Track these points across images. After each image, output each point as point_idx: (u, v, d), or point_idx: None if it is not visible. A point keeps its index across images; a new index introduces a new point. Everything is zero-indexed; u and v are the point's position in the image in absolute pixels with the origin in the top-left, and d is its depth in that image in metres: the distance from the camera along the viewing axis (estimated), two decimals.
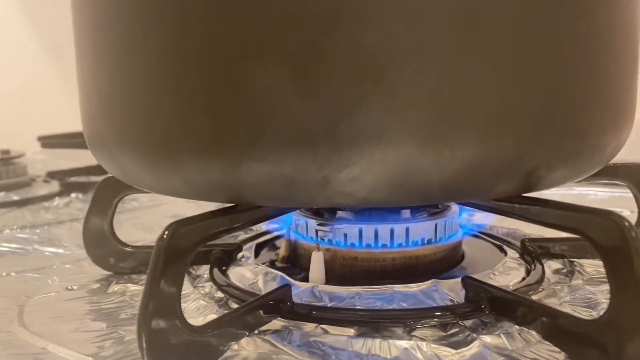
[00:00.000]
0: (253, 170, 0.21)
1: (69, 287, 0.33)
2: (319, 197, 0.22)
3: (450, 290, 0.28)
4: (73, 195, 0.59)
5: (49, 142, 0.68)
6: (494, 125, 0.21)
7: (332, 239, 0.31)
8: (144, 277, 0.35)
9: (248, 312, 0.25)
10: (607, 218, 0.21)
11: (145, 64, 0.22)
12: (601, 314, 0.27)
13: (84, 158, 0.60)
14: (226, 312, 0.27)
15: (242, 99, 0.20)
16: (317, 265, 0.30)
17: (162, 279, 0.21)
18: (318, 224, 0.31)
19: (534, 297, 0.30)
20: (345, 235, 0.31)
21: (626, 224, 0.21)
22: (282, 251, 0.34)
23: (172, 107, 0.22)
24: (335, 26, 0.19)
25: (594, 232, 0.21)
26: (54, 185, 0.62)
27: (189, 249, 0.22)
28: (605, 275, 0.32)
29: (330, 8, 0.19)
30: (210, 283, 0.32)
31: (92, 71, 0.25)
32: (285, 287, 0.27)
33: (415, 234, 0.30)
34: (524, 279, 0.31)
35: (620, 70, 0.23)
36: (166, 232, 0.21)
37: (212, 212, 0.23)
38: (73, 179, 0.66)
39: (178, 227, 0.21)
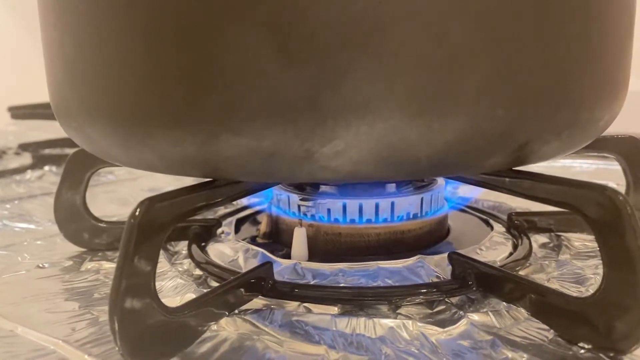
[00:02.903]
0: (230, 143, 0.20)
1: (40, 265, 0.32)
2: (302, 172, 0.20)
3: (436, 266, 0.28)
4: (46, 168, 0.57)
5: (20, 112, 0.66)
6: (485, 95, 0.19)
7: (315, 214, 0.30)
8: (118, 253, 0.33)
9: (228, 291, 0.24)
10: (601, 192, 0.20)
11: (113, 27, 0.20)
12: (590, 289, 0.27)
13: (58, 129, 0.58)
14: (205, 291, 0.26)
15: (217, 65, 0.19)
16: (299, 242, 0.29)
17: (135, 257, 0.20)
18: (300, 199, 0.30)
19: (522, 273, 0.29)
20: (329, 210, 0.30)
21: (621, 198, 0.20)
22: (263, 227, 0.33)
23: (142, 73, 0.20)
24: None
25: (588, 206, 0.21)
26: (26, 158, 0.60)
27: (163, 227, 0.21)
28: (592, 250, 0.32)
29: None
30: (189, 260, 0.31)
31: (57, 34, 0.23)
32: (267, 265, 0.26)
33: (400, 208, 0.30)
34: (511, 254, 0.30)
35: (614, 41, 0.22)
36: (138, 210, 0.20)
37: (187, 187, 0.22)
38: (46, 151, 0.64)
39: (151, 204, 0.20)
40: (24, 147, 0.63)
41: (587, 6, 0.20)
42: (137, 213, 0.20)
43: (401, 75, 0.19)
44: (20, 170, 0.55)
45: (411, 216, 0.30)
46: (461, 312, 0.24)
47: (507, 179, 0.24)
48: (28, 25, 0.86)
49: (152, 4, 0.19)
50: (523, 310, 0.24)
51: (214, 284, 0.28)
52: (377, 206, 0.29)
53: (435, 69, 0.19)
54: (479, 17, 0.19)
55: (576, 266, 0.29)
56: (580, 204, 0.21)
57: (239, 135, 0.20)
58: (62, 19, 0.22)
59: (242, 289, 0.25)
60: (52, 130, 0.67)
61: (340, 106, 0.19)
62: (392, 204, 0.29)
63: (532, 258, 0.30)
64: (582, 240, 0.33)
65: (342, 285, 0.26)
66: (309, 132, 0.19)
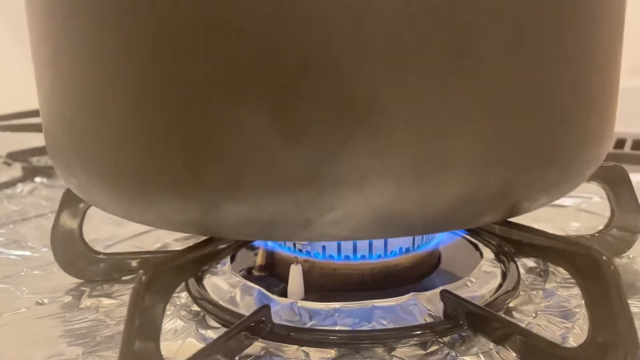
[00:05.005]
0: (231, 212, 0.20)
1: (40, 301, 0.32)
2: (300, 237, 0.21)
3: (428, 303, 0.29)
4: (37, 180, 0.57)
5: (7, 124, 0.65)
6: (478, 165, 0.20)
7: (310, 251, 0.31)
8: (117, 287, 0.34)
9: (230, 338, 0.25)
10: (586, 252, 0.21)
11: (116, 94, 0.21)
12: (575, 326, 0.28)
13: None
14: (204, 332, 0.27)
15: (219, 140, 0.19)
16: (295, 279, 0.30)
17: (141, 320, 0.21)
18: None
19: (511, 304, 0.30)
20: (324, 247, 0.30)
21: (604, 258, 0.21)
22: (259, 259, 0.33)
23: (144, 142, 0.21)
24: (315, 68, 0.18)
25: (573, 264, 0.22)
26: (16, 169, 0.59)
27: (166, 289, 0.21)
28: None
29: (310, 49, 0.18)
30: (186, 293, 0.32)
31: (55, 93, 0.23)
32: (266, 308, 0.27)
33: (394, 244, 0.30)
34: (500, 285, 0.31)
35: (602, 99, 0.23)
36: (143, 277, 0.20)
37: (190, 248, 0.22)
38: (35, 159, 0.64)
39: (156, 271, 0.21)
40: (13, 157, 0.62)
41: (576, 74, 0.21)
42: (142, 279, 0.20)
43: (396, 151, 0.19)
44: (11, 184, 0.55)
45: (404, 250, 0.31)
46: (453, 353, 0.26)
47: (497, 227, 0.25)
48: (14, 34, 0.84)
49: (156, 75, 0.20)
50: (512, 352, 0.25)
51: (213, 322, 0.29)
52: (370, 243, 0.30)
53: (429, 143, 0.19)
54: (468, 93, 0.19)
55: (562, 297, 0.31)
56: (567, 261, 0.22)
57: (240, 205, 0.20)
58: (61, 79, 0.22)
59: (243, 334, 0.26)
60: (41, 135, 0.66)
61: (338, 180, 0.19)
62: (385, 241, 0.30)
63: (521, 285, 0.32)
64: None
65: (338, 328, 0.27)
66: (308, 203, 0.20)
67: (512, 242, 0.24)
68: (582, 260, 0.21)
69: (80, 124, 0.23)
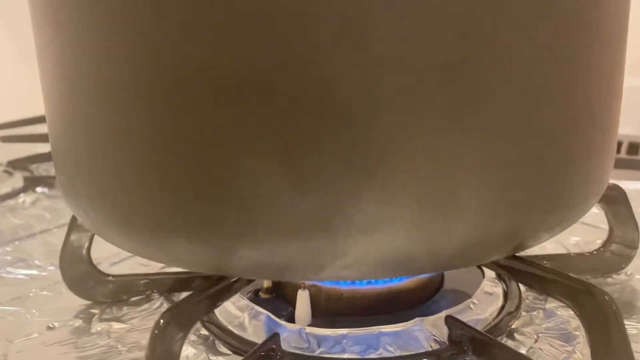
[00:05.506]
0: (245, 257, 0.21)
1: (50, 325, 0.33)
2: (313, 278, 0.22)
3: (433, 328, 0.29)
4: (39, 190, 0.57)
5: (8, 135, 0.65)
6: (485, 212, 0.21)
7: None
8: (126, 309, 0.35)
9: None
10: (589, 292, 0.22)
11: (132, 144, 0.21)
12: (576, 350, 0.29)
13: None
14: None
15: (234, 190, 0.20)
16: (303, 305, 0.30)
17: None
18: None
19: (513, 326, 0.31)
20: None
21: (606, 298, 0.22)
22: (265, 282, 0.34)
23: (158, 189, 0.21)
24: (327, 121, 0.19)
25: (577, 302, 0.22)
26: (17, 179, 0.60)
27: (184, 329, 0.22)
28: None
29: (323, 103, 0.19)
30: None
31: (69, 139, 0.23)
32: (275, 337, 0.27)
33: None
34: (503, 307, 0.32)
35: (605, 137, 0.23)
36: (162, 321, 0.21)
37: (203, 289, 0.23)
38: (34, 166, 0.64)
39: (174, 315, 0.21)
40: (13, 165, 0.63)
41: (582, 121, 0.22)
42: (160, 324, 0.21)
43: (406, 200, 0.20)
44: (13, 194, 0.55)
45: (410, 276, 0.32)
46: None
47: (501, 261, 0.26)
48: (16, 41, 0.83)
49: (171, 127, 0.20)
50: None
51: (223, 348, 0.29)
52: None
53: (438, 192, 0.20)
54: (478, 142, 0.20)
55: (563, 318, 0.31)
56: (570, 299, 0.23)
57: (254, 251, 0.21)
58: (75, 122, 0.23)
59: None
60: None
61: (350, 228, 0.20)
62: None
63: (522, 305, 0.32)
64: None
65: (346, 356, 0.28)
66: (320, 250, 0.20)
67: (515, 274, 0.25)
68: (584, 298, 0.22)
69: (93, 167, 0.23)
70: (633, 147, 0.66)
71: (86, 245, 0.35)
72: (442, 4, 0.18)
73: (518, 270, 0.25)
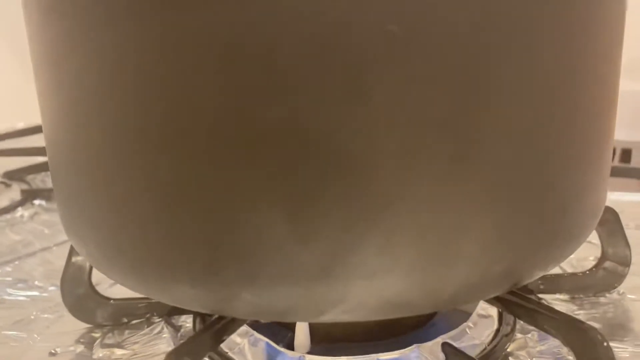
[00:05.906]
0: (247, 302, 0.21)
1: (52, 351, 0.33)
2: (314, 320, 0.22)
3: (430, 354, 0.30)
4: (36, 202, 0.57)
5: (5, 149, 0.65)
6: (483, 258, 0.21)
7: None
8: (127, 334, 0.35)
9: None
10: (582, 330, 0.22)
11: (136, 196, 0.22)
12: None
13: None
14: None
15: (237, 240, 0.20)
16: (301, 333, 0.31)
17: None
18: None
19: (508, 349, 0.31)
20: None
21: (599, 337, 0.22)
22: None
23: (163, 239, 0.21)
24: (328, 176, 0.19)
25: (570, 339, 0.23)
26: (15, 191, 0.60)
27: None
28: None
29: (324, 156, 0.19)
30: None
31: (73, 182, 0.24)
32: None
33: None
34: (498, 330, 0.32)
35: (600, 180, 0.24)
36: None
37: (207, 327, 0.23)
38: (30, 177, 0.64)
39: (179, 355, 0.22)
40: (10, 176, 0.63)
41: (578, 160, 0.22)
42: None
43: (405, 249, 0.20)
44: (11, 208, 0.55)
45: None
46: None
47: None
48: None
49: (175, 179, 0.21)
50: None
51: None
52: None
53: (437, 241, 0.20)
54: (476, 193, 0.20)
55: (556, 342, 0.32)
56: (564, 336, 0.23)
57: (256, 297, 0.21)
58: (78, 175, 0.23)
59: None
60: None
61: (351, 276, 0.20)
62: None
63: (517, 326, 0.33)
64: (561, 301, 0.36)
65: None
66: (321, 297, 0.21)
67: (508, 307, 0.25)
68: (577, 334, 0.23)
69: (97, 216, 0.23)
70: (626, 154, 0.67)
71: (87, 268, 0.35)
72: (444, 58, 0.19)
73: (512, 303, 0.25)
